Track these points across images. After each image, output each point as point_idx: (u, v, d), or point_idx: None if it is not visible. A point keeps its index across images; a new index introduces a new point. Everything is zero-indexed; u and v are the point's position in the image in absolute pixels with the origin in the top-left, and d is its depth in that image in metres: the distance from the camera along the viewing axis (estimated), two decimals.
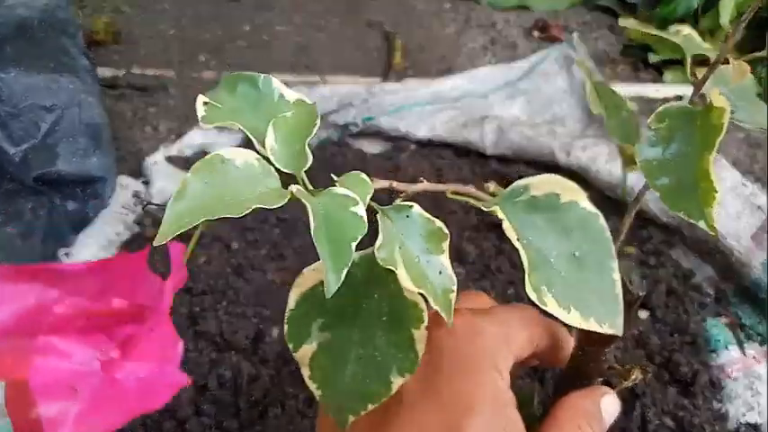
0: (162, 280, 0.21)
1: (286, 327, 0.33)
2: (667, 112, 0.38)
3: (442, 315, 0.29)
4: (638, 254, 0.95)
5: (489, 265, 0.90)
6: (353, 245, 0.25)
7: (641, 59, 1.33)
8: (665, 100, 1.30)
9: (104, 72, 1.22)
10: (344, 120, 1.13)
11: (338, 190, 0.27)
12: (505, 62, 1.32)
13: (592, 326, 0.31)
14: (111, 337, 0.21)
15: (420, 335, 0.31)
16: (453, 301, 0.29)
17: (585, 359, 0.41)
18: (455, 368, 0.32)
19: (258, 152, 0.29)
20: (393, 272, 0.28)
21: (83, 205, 0.93)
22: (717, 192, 0.33)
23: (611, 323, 0.31)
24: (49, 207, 0.93)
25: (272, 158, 0.28)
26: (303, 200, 0.26)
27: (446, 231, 0.31)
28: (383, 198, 0.31)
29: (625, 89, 1.28)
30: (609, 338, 0.39)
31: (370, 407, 0.32)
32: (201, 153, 1.08)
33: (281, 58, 1.31)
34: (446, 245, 0.31)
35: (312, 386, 0.33)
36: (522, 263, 0.30)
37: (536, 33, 1.40)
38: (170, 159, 1.05)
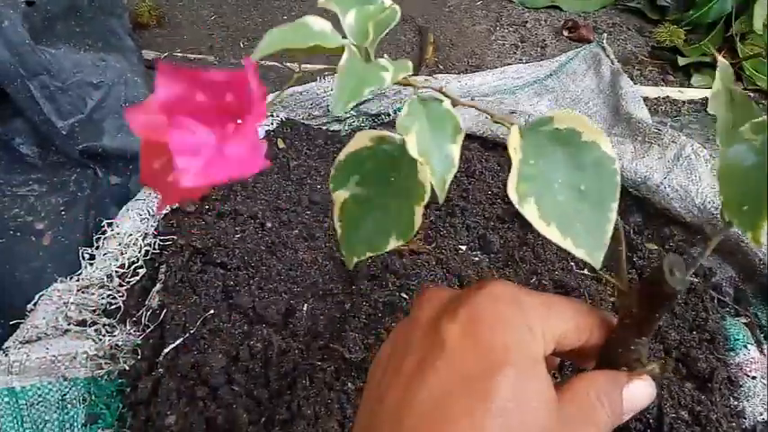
0: (261, 91, 0.30)
1: (333, 171, 0.40)
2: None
3: (436, 190, 0.33)
4: (659, 251, 0.97)
5: (513, 254, 0.92)
6: (366, 90, 0.31)
7: (670, 62, 1.35)
8: (692, 102, 1.31)
9: (148, 54, 1.26)
10: (377, 109, 1.16)
11: (381, 60, 0.33)
12: (535, 60, 1.34)
13: (567, 245, 0.33)
14: (223, 125, 0.30)
15: (419, 210, 0.37)
16: (447, 183, 0.33)
17: (616, 344, 0.43)
18: (495, 324, 0.35)
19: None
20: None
21: (125, 180, 0.97)
22: None
23: (588, 251, 0.33)
24: (93, 180, 0.97)
25: (346, 31, 0.36)
26: (346, 52, 0.33)
27: (462, 128, 0.35)
28: None
29: (652, 90, 1.29)
30: (645, 325, 0.41)
31: (368, 254, 0.39)
32: None
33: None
34: (460, 138, 0.34)
35: (337, 224, 0.40)
36: (519, 187, 0.33)
37: (566, 33, 1.42)
38: None
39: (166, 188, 0.32)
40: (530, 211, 0.33)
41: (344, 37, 0.36)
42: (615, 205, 0.34)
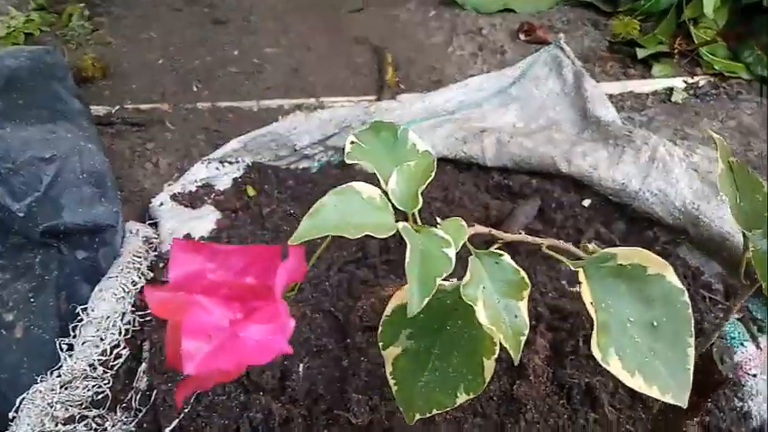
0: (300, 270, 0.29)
1: (381, 328, 0.38)
2: None
3: (511, 353, 0.32)
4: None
5: None
6: (438, 279, 0.30)
7: (629, 55, 1.35)
8: (655, 93, 1.32)
9: (98, 110, 1.21)
10: (344, 142, 1.13)
11: (437, 231, 0.32)
12: (495, 67, 1.33)
13: (654, 393, 0.32)
14: (243, 304, 0.29)
15: (489, 364, 0.36)
16: (522, 343, 0.33)
17: (668, 427, 0.43)
18: None
19: (381, 189, 0.35)
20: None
21: (93, 254, 0.93)
22: None
23: (675, 395, 0.32)
24: (59, 259, 0.92)
25: (391, 197, 0.35)
26: (405, 236, 0.31)
27: (528, 282, 0.33)
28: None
29: (615, 86, 1.29)
30: (696, 409, 0.41)
31: (435, 412, 0.37)
32: (206, 186, 1.07)
33: (273, 82, 1.30)
34: (526, 293, 0.34)
35: (391, 382, 0.38)
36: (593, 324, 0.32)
37: (522, 36, 1.41)
38: (175, 197, 1.04)
39: (193, 381, 0.30)
40: (614, 366, 0.32)
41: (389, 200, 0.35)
42: (692, 340, 0.33)
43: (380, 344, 0.37)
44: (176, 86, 1.29)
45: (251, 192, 1.07)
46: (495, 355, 0.33)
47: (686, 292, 0.33)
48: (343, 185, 0.32)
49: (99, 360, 0.79)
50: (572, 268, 0.33)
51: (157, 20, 1.47)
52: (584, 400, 0.78)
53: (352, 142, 0.36)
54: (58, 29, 1.41)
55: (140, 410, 0.80)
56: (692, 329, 0.32)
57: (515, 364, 0.32)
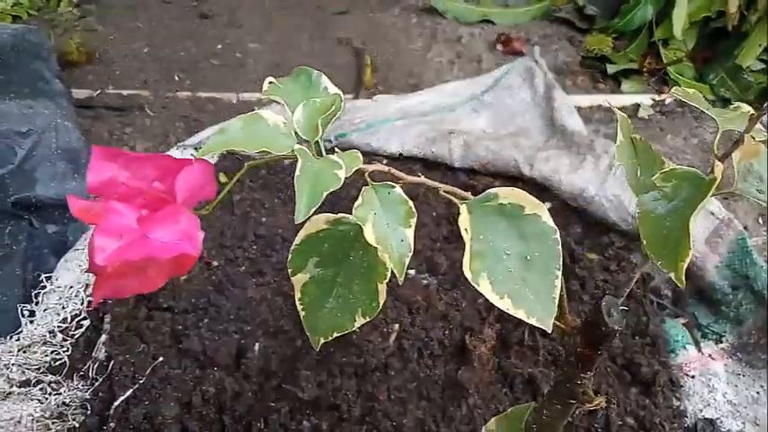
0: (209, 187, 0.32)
1: (290, 256, 0.41)
2: (675, 174, 0.42)
3: (396, 273, 0.35)
4: (600, 260, 1.00)
5: (461, 275, 0.94)
6: (324, 193, 0.32)
7: (600, 70, 1.39)
8: (623, 108, 1.36)
9: (79, 93, 1.23)
10: None
11: (331, 157, 0.35)
12: (471, 75, 1.37)
13: (520, 315, 0.36)
14: (154, 211, 0.31)
15: (382, 288, 0.39)
16: (406, 265, 0.36)
17: (564, 380, 0.46)
18: None
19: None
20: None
21: (63, 228, 0.95)
22: (690, 249, 0.37)
23: (540, 318, 0.35)
24: (29, 231, 0.94)
25: (295, 126, 0.37)
26: (299, 156, 0.34)
27: (414, 211, 0.37)
28: None
29: (584, 99, 1.34)
30: (589, 362, 0.44)
31: (336, 335, 0.41)
32: None
33: (253, 76, 1.33)
34: (413, 221, 0.37)
35: (299, 307, 0.41)
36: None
37: (499, 47, 1.45)
38: None
39: (107, 279, 0.32)
40: (484, 287, 0.35)
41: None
42: (560, 271, 0.36)
43: (290, 270, 0.40)
44: (159, 75, 1.32)
45: (223, 179, 1.09)
46: (387, 279, 0.37)
47: (558, 231, 0.36)
48: (251, 113, 0.35)
49: (59, 327, 0.81)
50: (458, 203, 0.37)
51: (145, 11, 1.50)
52: (526, 389, 0.81)
53: (270, 82, 0.39)
54: (45, 14, 1.44)
55: (97, 379, 0.82)
56: (561, 264, 0.36)
57: (399, 283, 0.35)
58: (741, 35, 1.35)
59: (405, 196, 0.36)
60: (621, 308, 0.42)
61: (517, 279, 0.35)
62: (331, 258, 0.40)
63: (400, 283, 0.34)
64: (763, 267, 0.95)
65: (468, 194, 0.38)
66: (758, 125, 0.41)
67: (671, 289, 1.00)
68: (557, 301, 0.35)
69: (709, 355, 0.93)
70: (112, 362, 0.82)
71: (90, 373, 0.82)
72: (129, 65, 1.34)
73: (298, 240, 0.40)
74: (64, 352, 0.82)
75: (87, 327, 0.85)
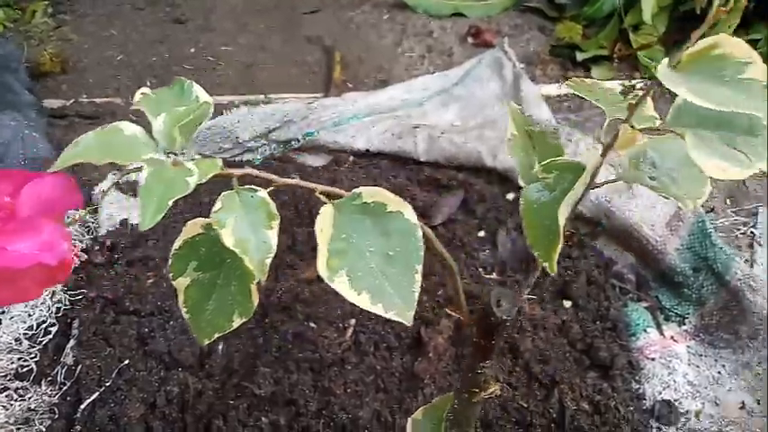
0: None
1: (170, 260, 0.42)
2: (556, 165, 0.44)
3: (255, 273, 0.35)
4: (563, 247, 1.01)
5: None
6: (170, 201, 0.33)
7: (570, 58, 1.40)
8: None
9: (53, 103, 1.25)
10: (286, 136, 1.18)
11: (187, 164, 0.35)
12: (442, 69, 1.38)
13: (378, 310, 0.37)
14: (6, 223, 0.32)
15: (254, 289, 0.40)
16: (267, 266, 0.36)
17: (467, 369, 0.47)
18: None
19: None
20: None
21: None
22: (561, 238, 0.39)
23: (399, 312, 0.36)
24: None
25: (155, 136, 0.37)
26: (145, 164, 0.34)
27: (276, 213, 0.37)
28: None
29: (555, 88, 1.34)
30: (487, 351, 0.45)
31: (217, 335, 0.42)
32: None
33: (226, 80, 1.35)
34: (275, 223, 0.37)
35: (183, 311, 0.42)
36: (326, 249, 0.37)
37: (470, 40, 1.46)
38: (118, 185, 1.09)
39: None
40: (340, 284, 0.36)
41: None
42: (420, 267, 0.37)
43: (170, 275, 0.41)
44: (131, 82, 1.33)
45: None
46: (257, 280, 0.37)
47: (419, 227, 0.38)
48: (109, 125, 0.36)
49: (25, 335, 0.83)
50: (326, 202, 0.38)
51: (120, 18, 1.52)
52: None
53: (143, 93, 0.41)
54: (21, 25, 1.46)
55: (65, 384, 0.84)
56: (422, 258, 0.37)
57: (261, 283, 0.36)
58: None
59: (268, 199, 0.37)
60: (529, 297, 0.44)
61: (378, 275, 0.36)
62: (209, 262, 0.41)
63: (262, 283, 0.35)
64: (722, 249, 0.96)
65: (344, 193, 0.39)
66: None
67: (634, 273, 1.01)
68: (417, 294, 0.37)
69: (672, 337, 0.94)
70: (80, 366, 0.84)
71: (59, 378, 0.84)
72: (103, 73, 1.36)
73: (176, 245, 0.41)
74: (31, 358, 0.84)
75: (55, 333, 0.88)
